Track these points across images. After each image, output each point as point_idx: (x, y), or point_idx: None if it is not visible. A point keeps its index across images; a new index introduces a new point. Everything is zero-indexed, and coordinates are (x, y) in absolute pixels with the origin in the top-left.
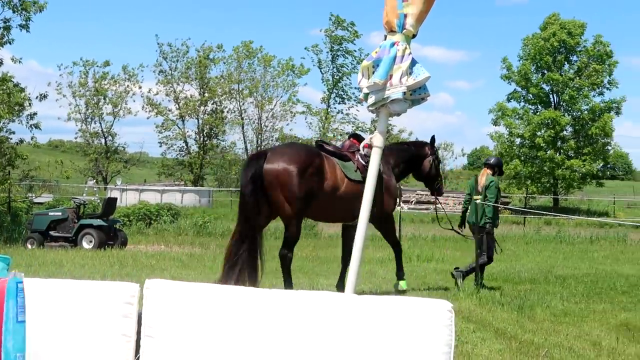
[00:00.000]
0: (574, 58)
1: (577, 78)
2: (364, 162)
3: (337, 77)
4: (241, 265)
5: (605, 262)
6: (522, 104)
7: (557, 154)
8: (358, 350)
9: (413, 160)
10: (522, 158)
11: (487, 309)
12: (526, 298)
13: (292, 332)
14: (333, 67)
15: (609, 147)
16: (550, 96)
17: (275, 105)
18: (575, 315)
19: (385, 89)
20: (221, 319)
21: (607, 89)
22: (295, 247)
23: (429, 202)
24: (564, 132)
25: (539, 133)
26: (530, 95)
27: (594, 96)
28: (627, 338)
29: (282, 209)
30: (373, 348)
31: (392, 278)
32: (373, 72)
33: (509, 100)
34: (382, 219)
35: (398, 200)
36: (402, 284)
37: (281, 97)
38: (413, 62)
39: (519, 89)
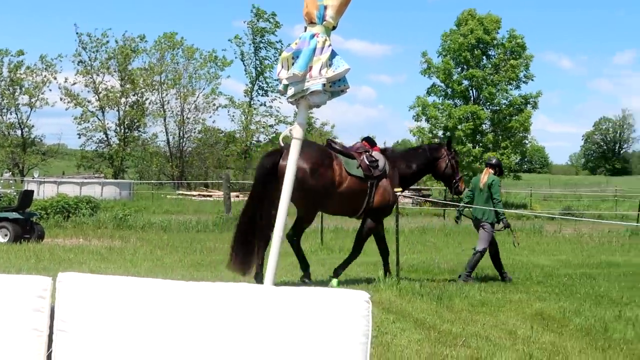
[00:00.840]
0: (492, 53)
1: (496, 74)
2: (367, 162)
3: (260, 70)
4: (250, 243)
5: (522, 253)
6: (441, 98)
7: (475, 147)
8: (276, 340)
9: (428, 162)
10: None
11: (407, 300)
12: (445, 289)
13: (209, 323)
14: (256, 59)
15: (527, 141)
16: (470, 91)
17: (197, 97)
18: (492, 305)
19: (304, 81)
20: (137, 312)
21: (524, 82)
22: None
23: None
24: (483, 126)
25: (459, 127)
26: (450, 90)
27: (511, 89)
28: (542, 327)
29: (295, 202)
30: (291, 339)
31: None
32: (293, 64)
33: (428, 94)
34: (369, 214)
35: (394, 206)
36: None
37: (204, 89)
38: (333, 54)
39: (439, 83)
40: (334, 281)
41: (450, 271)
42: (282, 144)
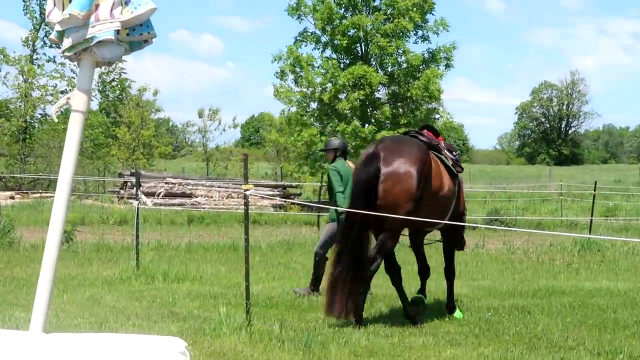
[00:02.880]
0: None
1: (389, 22)
2: (453, 158)
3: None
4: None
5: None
6: (318, 51)
7: (365, 125)
8: None
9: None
10: (320, 131)
11: (260, 349)
12: (317, 331)
13: None
14: None
15: (437, 116)
16: (359, 46)
17: None
18: (384, 355)
19: (87, 26)
20: None
21: (434, 32)
22: None
23: (184, 195)
24: (377, 95)
25: (341, 95)
26: (330, 41)
27: (415, 42)
28: None
29: (393, 214)
30: None
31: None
32: (70, 0)
33: (298, 42)
34: (453, 222)
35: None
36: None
37: None
38: None
39: (314, 30)
40: (458, 313)
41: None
42: (55, 117)
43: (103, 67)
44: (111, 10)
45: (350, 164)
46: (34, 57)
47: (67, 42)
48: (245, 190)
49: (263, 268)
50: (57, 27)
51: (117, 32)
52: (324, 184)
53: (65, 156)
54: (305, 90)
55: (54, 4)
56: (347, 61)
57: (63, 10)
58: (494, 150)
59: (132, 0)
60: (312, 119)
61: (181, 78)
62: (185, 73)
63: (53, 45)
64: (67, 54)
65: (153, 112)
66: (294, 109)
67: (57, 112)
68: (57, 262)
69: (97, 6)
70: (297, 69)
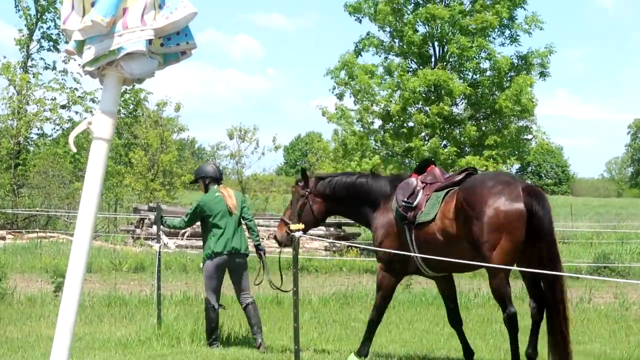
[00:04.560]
0: None
1: (469, 16)
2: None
3: (45, 4)
4: None
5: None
6: (380, 57)
7: (446, 146)
8: None
9: None
10: (383, 153)
11: None
12: None
13: None
14: None
15: (529, 136)
16: (430, 46)
17: None
18: None
19: (113, 34)
20: None
21: (526, 32)
22: None
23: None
24: (456, 109)
25: (411, 109)
26: (398, 42)
27: (502, 44)
28: None
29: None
30: None
31: None
32: (92, 3)
33: (359, 51)
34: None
35: None
36: None
37: None
38: None
39: (377, 33)
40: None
41: None
42: (74, 147)
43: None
44: (142, 15)
45: (226, 191)
46: (29, 63)
47: (88, 55)
48: (293, 230)
49: (314, 327)
50: (76, 36)
51: (150, 42)
52: None
53: (87, 193)
54: (366, 104)
55: (72, 8)
56: (418, 66)
57: (83, 16)
58: (601, 179)
59: (168, 3)
60: (375, 142)
61: (210, 90)
62: (215, 83)
63: (53, 50)
64: (87, 68)
65: (175, 131)
66: (354, 127)
67: (73, 138)
68: (75, 321)
69: (124, 11)
70: (354, 83)
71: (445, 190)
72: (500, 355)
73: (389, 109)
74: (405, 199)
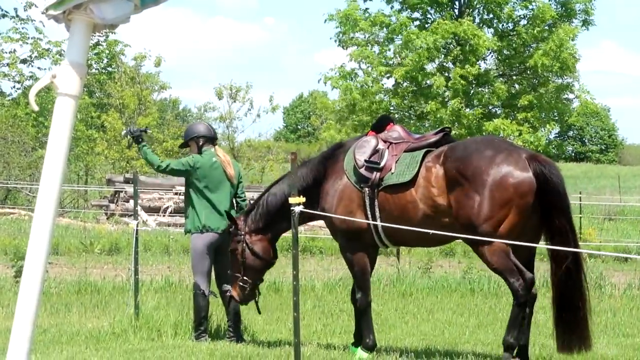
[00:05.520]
0: None
1: None
2: None
3: None
4: None
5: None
6: (398, 9)
7: (470, 108)
8: None
9: None
10: (396, 116)
11: None
12: None
13: None
14: None
15: (571, 95)
16: None
17: None
18: None
19: None
20: None
21: None
22: None
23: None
24: (482, 64)
25: (429, 67)
26: None
27: None
28: None
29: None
30: None
31: None
32: None
33: None
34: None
35: None
36: None
37: None
38: None
39: None
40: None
41: None
42: (35, 105)
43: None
44: None
45: (225, 157)
46: None
47: None
48: (294, 205)
49: (318, 318)
50: None
51: None
52: None
53: (51, 159)
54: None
55: None
56: (437, 17)
57: None
58: None
59: None
60: (385, 102)
61: (197, 41)
62: (203, 34)
63: None
64: (52, 12)
65: (155, 90)
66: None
67: (33, 94)
68: (37, 311)
69: None
70: (354, 31)
71: (423, 151)
72: (534, 350)
73: (399, 64)
74: (368, 159)
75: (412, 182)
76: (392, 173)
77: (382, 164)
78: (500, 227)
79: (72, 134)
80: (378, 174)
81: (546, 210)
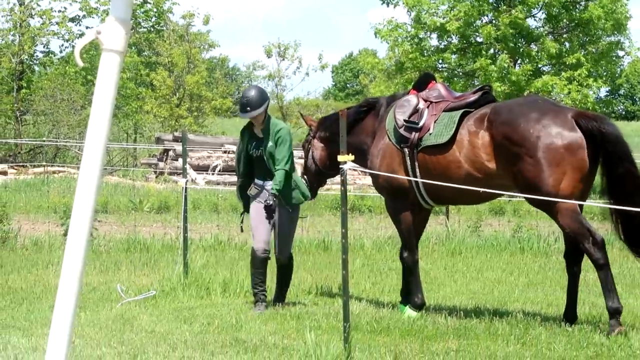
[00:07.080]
0: None
1: None
2: None
3: None
4: None
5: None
6: None
7: (517, 64)
8: None
9: None
10: (445, 74)
11: None
12: None
13: None
14: None
15: (621, 53)
16: None
17: None
18: None
19: None
20: None
21: None
22: None
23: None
24: (531, 21)
25: (477, 22)
26: None
27: None
28: None
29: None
30: None
31: None
32: None
33: None
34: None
35: None
36: None
37: None
38: None
39: None
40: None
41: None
42: (80, 61)
43: None
44: None
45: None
46: None
47: None
48: (342, 162)
49: (367, 276)
50: None
51: None
52: None
53: (96, 115)
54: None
55: None
56: None
57: None
58: None
59: None
60: (437, 60)
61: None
62: None
63: None
64: None
65: (204, 49)
66: (407, 45)
67: (79, 50)
68: (83, 270)
69: None
70: None
71: (461, 111)
72: (585, 309)
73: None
74: (407, 118)
75: (451, 143)
76: (430, 134)
77: (420, 124)
78: (561, 187)
79: (118, 91)
80: (417, 134)
81: (608, 161)
